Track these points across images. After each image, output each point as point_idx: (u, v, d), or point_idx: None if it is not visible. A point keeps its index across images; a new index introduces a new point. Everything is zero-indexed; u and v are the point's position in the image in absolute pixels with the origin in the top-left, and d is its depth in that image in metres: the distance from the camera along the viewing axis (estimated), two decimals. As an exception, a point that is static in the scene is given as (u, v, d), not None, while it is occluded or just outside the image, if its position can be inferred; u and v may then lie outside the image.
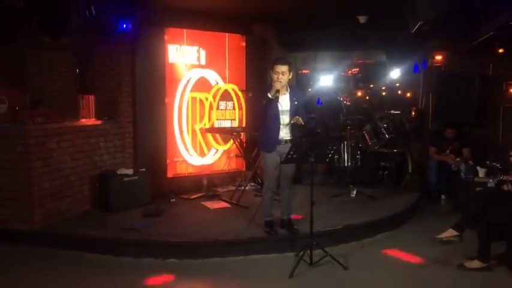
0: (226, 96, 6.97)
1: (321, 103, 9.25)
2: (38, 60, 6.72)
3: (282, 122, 4.63)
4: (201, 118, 6.74)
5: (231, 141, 6.71)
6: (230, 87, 7.00)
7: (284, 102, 4.63)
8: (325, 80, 9.14)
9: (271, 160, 4.66)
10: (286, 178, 4.80)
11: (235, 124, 7.05)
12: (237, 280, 4.23)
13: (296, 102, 4.67)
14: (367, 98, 14.12)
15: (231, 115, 7.05)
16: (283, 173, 4.74)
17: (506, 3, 5.31)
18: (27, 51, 6.51)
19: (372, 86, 13.71)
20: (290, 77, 4.62)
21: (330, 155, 4.60)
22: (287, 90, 4.69)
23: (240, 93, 7.04)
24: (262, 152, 4.86)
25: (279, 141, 4.63)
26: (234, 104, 7.05)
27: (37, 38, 5.67)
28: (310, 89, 10.37)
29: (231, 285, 4.20)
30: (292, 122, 4.59)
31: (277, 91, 4.49)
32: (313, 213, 4.35)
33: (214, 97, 6.80)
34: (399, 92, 11.90)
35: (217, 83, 6.88)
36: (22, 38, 6.04)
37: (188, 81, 6.59)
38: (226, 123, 6.98)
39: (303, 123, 4.59)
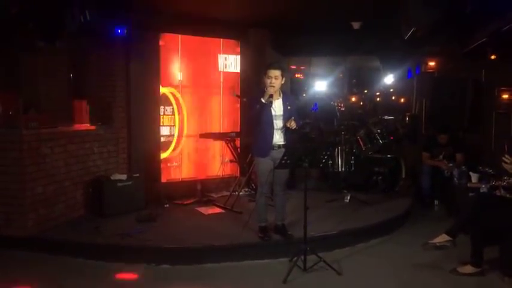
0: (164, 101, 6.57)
1: (317, 109, 9.29)
2: (32, 64, 6.66)
3: (275, 126, 4.64)
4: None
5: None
6: (168, 90, 6.62)
7: (277, 107, 4.65)
8: (320, 85, 9.20)
9: (265, 165, 4.66)
10: (279, 183, 4.80)
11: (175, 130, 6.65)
12: (231, 286, 4.21)
13: (289, 107, 4.69)
14: (361, 103, 14.21)
15: (170, 121, 6.65)
16: (277, 179, 4.74)
17: (498, 10, 5.36)
18: (21, 55, 6.47)
19: (366, 91, 13.80)
20: (283, 81, 4.64)
21: (324, 160, 4.62)
22: (280, 95, 4.70)
23: (180, 97, 6.69)
24: (255, 157, 4.86)
25: (272, 147, 4.64)
26: (173, 109, 6.68)
27: (31, 42, 5.64)
28: (304, 95, 10.41)
29: (225, 290, 4.20)
30: (287, 125, 4.59)
31: (271, 96, 4.51)
32: (306, 219, 4.35)
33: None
34: (393, 97, 12.00)
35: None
36: (16, 42, 6.02)
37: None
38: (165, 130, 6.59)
39: (296, 127, 4.60)
